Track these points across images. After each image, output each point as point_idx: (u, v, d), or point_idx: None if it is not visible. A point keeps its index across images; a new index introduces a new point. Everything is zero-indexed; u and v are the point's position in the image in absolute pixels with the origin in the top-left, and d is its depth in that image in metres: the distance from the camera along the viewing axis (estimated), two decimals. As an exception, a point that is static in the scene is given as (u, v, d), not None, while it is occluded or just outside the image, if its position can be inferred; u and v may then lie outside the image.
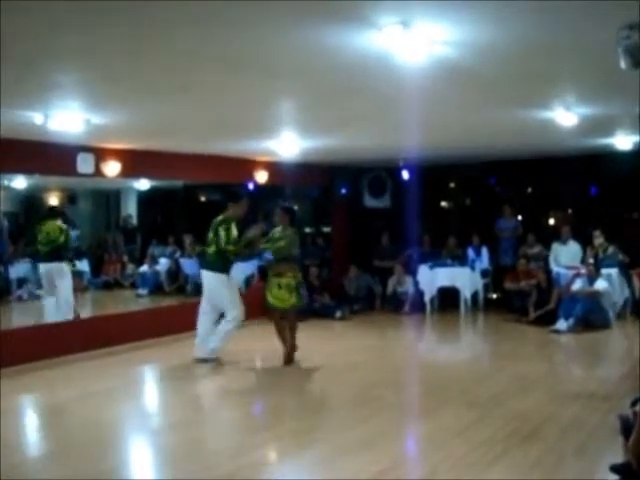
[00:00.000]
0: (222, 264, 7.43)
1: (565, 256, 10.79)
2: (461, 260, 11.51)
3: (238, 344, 7.72)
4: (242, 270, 10.44)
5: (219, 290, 7.50)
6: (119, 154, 8.77)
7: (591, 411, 5.57)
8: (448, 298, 11.36)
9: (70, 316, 8.64)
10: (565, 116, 6.70)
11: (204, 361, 7.46)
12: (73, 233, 13.34)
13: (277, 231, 7.54)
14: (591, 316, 9.39)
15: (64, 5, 3.25)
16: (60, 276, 8.72)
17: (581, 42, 4.13)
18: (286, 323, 7.48)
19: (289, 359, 7.41)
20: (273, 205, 8.86)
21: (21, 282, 11.99)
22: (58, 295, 8.70)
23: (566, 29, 3.86)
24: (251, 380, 7.08)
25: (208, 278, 7.56)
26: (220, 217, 7.54)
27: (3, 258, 12.24)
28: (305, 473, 4.52)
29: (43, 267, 8.83)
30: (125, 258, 13.47)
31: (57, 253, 8.77)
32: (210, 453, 4.77)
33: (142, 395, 6.96)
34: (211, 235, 7.49)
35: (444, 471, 4.33)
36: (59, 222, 9.01)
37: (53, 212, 9.39)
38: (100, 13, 3.39)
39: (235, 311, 7.46)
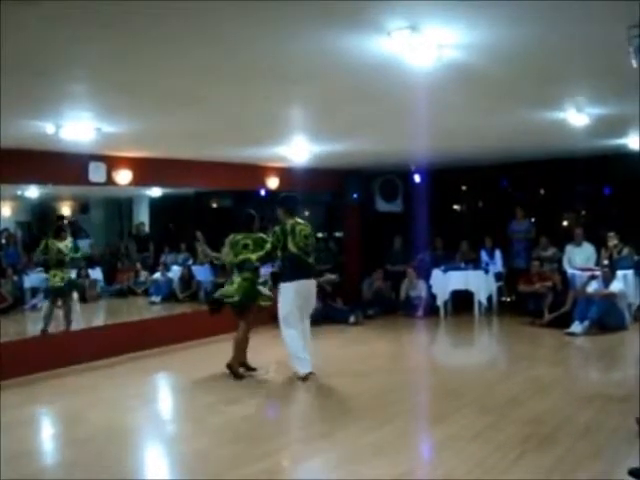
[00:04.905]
0: None
1: (579, 258, 10.72)
2: (475, 263, 11.46)
3: (253, 352, 7.71)
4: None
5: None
6: (131, 162, 8.80)
7: (608, 414, 5.52)
8: (462, 301, 11.31)
9: None
10: (577, 117, 6.65)
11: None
12: (86, 242, 13.49)
13: None
14: (606, 318, 9.31)
15: (76, 16, 3.26)
16: None
17: (591, 42, 4.10)
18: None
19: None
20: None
21: (35, 291, 12.06)
22: None
23: (576, 29, 3.83)
24: (266, 387, 7.06)
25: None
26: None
27: (17, 268, 12.33)
28: (321, 478, 4.50)
29: None
30: (138, 266, 13.54)
31: None
32: (226, 459, 4.75)
33: (155, 403, 6.95)
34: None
35: (461, 475, 4.30)
36: None
37: None
38: (111, 24, 3.40)
39: None
